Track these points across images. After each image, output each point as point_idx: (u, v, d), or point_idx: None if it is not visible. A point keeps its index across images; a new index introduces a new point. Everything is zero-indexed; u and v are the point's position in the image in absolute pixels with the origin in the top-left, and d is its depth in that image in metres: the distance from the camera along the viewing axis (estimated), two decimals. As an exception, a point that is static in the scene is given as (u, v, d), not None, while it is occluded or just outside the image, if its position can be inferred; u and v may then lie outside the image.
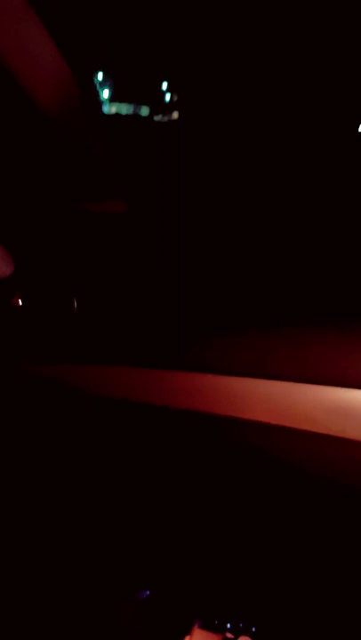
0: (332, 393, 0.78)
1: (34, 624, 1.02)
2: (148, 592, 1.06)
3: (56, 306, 0.92)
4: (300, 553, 0.92)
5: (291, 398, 0.79)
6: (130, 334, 0.91)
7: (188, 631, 0.93)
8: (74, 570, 1.06)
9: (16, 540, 1.06)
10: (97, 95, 0.94)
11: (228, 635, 0.93)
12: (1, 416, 0.98)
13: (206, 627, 0.96)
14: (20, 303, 0.91)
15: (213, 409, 0.83)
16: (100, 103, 0.92)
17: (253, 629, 0.96)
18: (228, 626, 0.98)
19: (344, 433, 0.77)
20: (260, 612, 0.99)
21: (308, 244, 1.02)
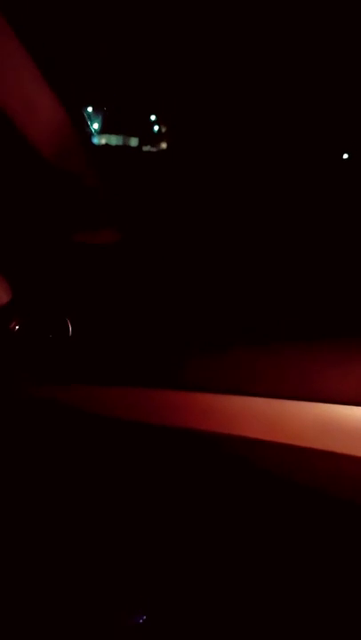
0: (321, 409, 0.80)
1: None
2: (144, 617, 1.05)
3: (51, 330, 0.94)
4: (295, 569, 0.93)
5: (281, 415, 0.81)
6: (123, 355, 0.93)
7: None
8: (70, 593, 1.06)
9: (14, 561, 1.06)
10: (87, 127, 0.97)
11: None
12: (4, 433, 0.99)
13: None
14: (17, 328, 0.94)
15: (206, 426, 0.85)
16: (90, 135, 0.96)
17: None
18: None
19: (333, 447, 0.79)
20: (256, 634, 0.99)
21: (297, 265, 1.05)
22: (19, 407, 0.95)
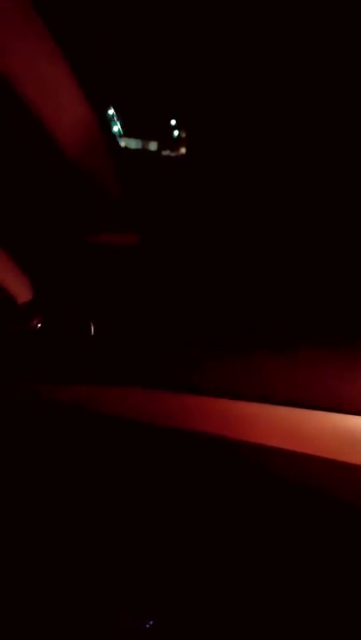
0: (341, 420, 0.80)
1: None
2: (151, 621, 1.05)
3: (74, 330, 0.95)
4: (303, 577, 0.93)
5: (300, 424, 0.81)
6: (138, 358, 0.93)
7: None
8: (73, 595, 1.06)
9: (16, 559, 1.06)
10: (110, 130, 0.98)
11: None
12: (14, 433, 0.99)
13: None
14: (39, 327, 0.95)
15: (222, 432, 0.85)
16: (114, 137, 0.96)
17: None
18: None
19: (353, 459, 0.78)
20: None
21: (322, 271, 1.05)
22: (35, 406, 0.96)
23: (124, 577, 1.06)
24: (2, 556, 1.07)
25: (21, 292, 0.95)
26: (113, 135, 0.97)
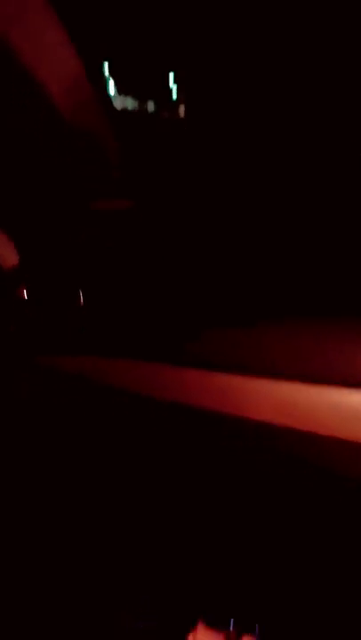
0: (338, 394, 0.77)
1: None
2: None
3: (61, 299, 0.91)
4: (303, 552, 0.92)
5: (297, 399, 0.79)
6: (134, 329, 0.91)
7: (192, 629, 0.93)
8: (75, 565, 1.05)
9: (22, 522, 1.05)
10: (106, 90, 0.93)
11: (232, 632, 0.92)
12: (7, 403, 0.97)
13: (210, 624, 0.95)
14: (25, 295, 0.91)
15: (216, 406, 0.83)
16: (109, 98, 0.91)
17: (257, 627, 0.96)
18: (232, 623, 0.98)
19: (348, 435, 0.76)
20: (262, 610, 0.98)
21: (318, 241, 1.01)
22: (26, 375, 0.94)
23: (123, 564, 1.06)
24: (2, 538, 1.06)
25: (6, 256, 0.91)
26: (109, 95, 0.91)
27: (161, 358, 0.87)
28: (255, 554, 0.96)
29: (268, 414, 0.79)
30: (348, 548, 0.87)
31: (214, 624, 0.96)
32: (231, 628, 0.94)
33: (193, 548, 1.00)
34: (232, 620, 0.97)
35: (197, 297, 0.91)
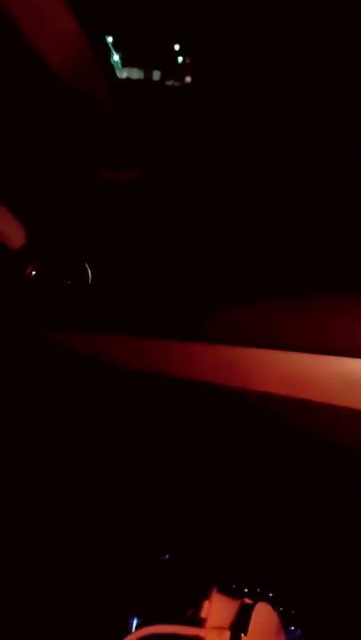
0: (347, 364, 0.77)
1: (41, 592, 1.03)
2: (166, 556, 1.07)
3: (70, 276, 0.91)
4: (313, 521, 0.93)
5: (304, 369, 0.78)
6: (143, 304, 0.90)
7: (207, 596, 0.94)
8: (88, 532, 1.07)
9: (26, 505, 1.07)
10: (109, 59, 0.92)
11: (247, 599, 0.94)
12: (16, 382, 0.98)
13: (224, 591, 0.97)
14: (34, 274, 0.91)
15: (224, 380, 0.83)
16: (112, 67, 0.89)
17: (271, 594, 0.97)
18: (246, 590, 0.99)
19: (355, 403, 0.76)
20: (277, 577, 1.00)
21: (323, 217, 1.00)
22: (34, 356, 0.94)
23: (135, 523, 1.07)
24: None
25: (13, 236, 0.90)
26: (112, 65, 0.89)
27: (167, 334, 0.86)
28: (265, 525, 0.97)
29: (273, 385, 0.79)
30: (347, 516, 0.88)
31: (229, 592, 0.97)
32: (246, 595, 0.95)
33: (207, 516, 1.01)
34: (247, 587, 0.99)
35: (203, 272, 0.90)
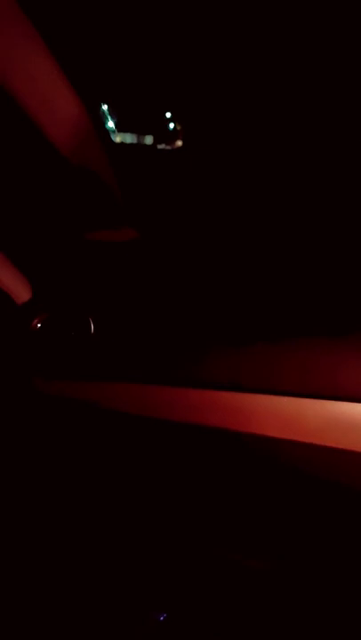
0: (336, 407, 0.78)
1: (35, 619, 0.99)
2: (164, 615, 1.05)
3: (73, 328, 0.93)
4: (310, 565, 0.92)
5: (302, 413, 0.79)
6: (143, 353, 0.92)
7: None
8: (88, 594, 1.05)
9: (23, 554, 1.05)
10: (104, 125, 0.96)
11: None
12: (18, 429, 0.98)
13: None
14: (39, 326, 0.93)
15: (225, 424, 0.83)
16: (108, 133, 0.95)
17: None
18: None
19: (349, 445, 0.76)
20: (276, 633, 0.97)
21: (318, 261, 1.03)
22: (38, 404, 0.95)
23: (125, 575, 1.05)
24: (2, 549, 1.06)
25: (20, 292, 0.94)
26: (107, 131, 0.95)
27: (163, 380, 0.88)
28: (262, 569, 0.96)
29: (272, 429, 0.80)
30: (347, 555, 0.87)
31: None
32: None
33: (202, 565, 1.00)
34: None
35: (197, 320, 0.92)
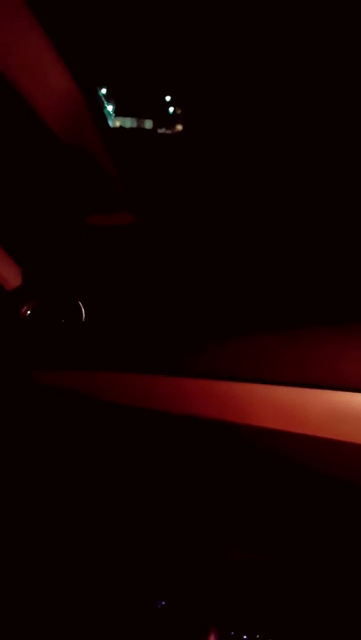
0: (337, 397, 0.78)
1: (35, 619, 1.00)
2: (163, 602, 1.05)
3: (64, 315, 0.92)
4: (310, 559, 0.92)
5: (302, 404, 0.79)
6: (138, 341, 0.91)
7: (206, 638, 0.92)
8: (89, 582, 1.05)
9: (21, 552, 1.05)
10: (102, 109, 0.95)
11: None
12: (10, 421, 0.98)
13: (223, 638, 0.95)
14: (29, 313, 0.92)
15: (223, 415, 0.83)
16: (105, 117, 0.93)
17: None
18: (245, 638, 0.97)
19: (350, 437, 0.76)
20: (275, 624, 0.98)
21: (319, 249, 1.02)
22: (28, 393, 0.94)
23: (124, 565, 1.05)
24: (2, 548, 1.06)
25: (10, 278, 0.92)
26: (105, 115, 0.93)
27: (160, 370, 0.87)
28: (266, 563, 0.96)
29: (269, 420, 0.80)
30: (345, 547, 0.87)
31: (227, 637, 0.95)
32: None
33: (205, 557, 1.00)
34: (245, 633, 0.97)
35: (195, 307, 0.91)
